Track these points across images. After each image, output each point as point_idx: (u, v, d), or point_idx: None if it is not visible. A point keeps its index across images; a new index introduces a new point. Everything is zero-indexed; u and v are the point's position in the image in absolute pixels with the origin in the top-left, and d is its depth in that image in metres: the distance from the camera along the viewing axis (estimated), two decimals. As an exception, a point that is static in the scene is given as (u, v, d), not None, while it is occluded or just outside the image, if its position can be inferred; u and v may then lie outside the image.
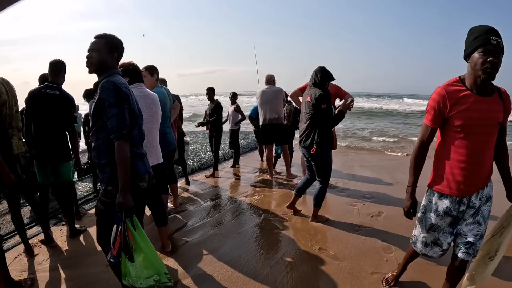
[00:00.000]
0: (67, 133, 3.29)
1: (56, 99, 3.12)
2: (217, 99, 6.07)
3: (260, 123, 5.56)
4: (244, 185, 5.39)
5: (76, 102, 3.59)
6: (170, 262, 2.94)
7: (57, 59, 3.21)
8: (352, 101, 3.56)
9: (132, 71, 2.78)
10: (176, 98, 5.02)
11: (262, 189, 5.13)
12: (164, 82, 4.39)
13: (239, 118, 6.42)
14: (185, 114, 18.87)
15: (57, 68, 3.19)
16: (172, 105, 3.78)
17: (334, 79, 3.56)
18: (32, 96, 3.10)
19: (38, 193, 3.41)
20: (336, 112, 4.57)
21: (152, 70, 3.49)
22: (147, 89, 2.87)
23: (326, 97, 3.42)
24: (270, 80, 5.52)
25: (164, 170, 3.70)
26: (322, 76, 3.49)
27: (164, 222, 3.12)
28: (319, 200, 3.71)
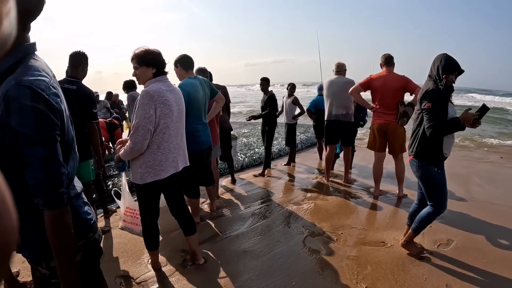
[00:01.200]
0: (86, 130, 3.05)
1: (73, 95, 2.86)
2: (271, 91, 5.50)
3: (325, 118, 4.84)
4: (294, 189, 4.78)
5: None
6: (181, 284, 2.51)
7: (78, 51, 2.98)
8: (476, 121, 2.49)
9: (162, 61, 2.32)
10: (222, 89, 4.58)
11: (314, 195, 4.47)
12: (204, 72, 3.91)
13: (296, 112, 5.77)
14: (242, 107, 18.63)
15: (77, 61, 2.96)
16: (206, 98, 3.31)
17: (461, 71, 2.57)
18: None
19: None
20: (402, 111, 3.75)
21: (175, 62, 3.09)
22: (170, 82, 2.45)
23: (435, 95, 2.52)
24: (341, 70, 4.76)
25: (195, 173, 3.29)
26: (440, 66, 2.53)
27: (192, 231, 2.69)
28: (419, 225, 2.81)
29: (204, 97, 3.28)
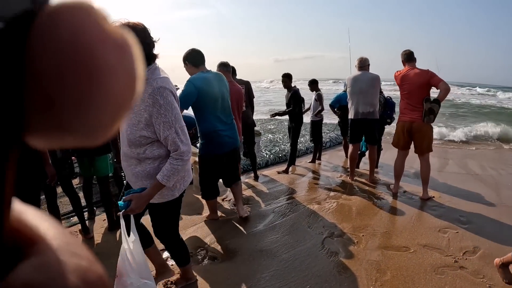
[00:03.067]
0: None
1: None
2: (294, 86, 5.40)
3: (350, 116, 4.67)
4: (318, 187, 4.69)
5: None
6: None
7: None
8: None
9: (147, 42, 1.66)
10: (246, 85, 4.56)
11: (337, 194, 4.36)
12: (226, 66, 3.74)
13: (319, 108, 5.67)
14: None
15: None
16: (224, 93, 3.10)
17: None
18: None
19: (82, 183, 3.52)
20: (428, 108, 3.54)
21: (183, 59, 3.00)
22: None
23: None
24: (364, 64, 4.59)
25: (213, 176, 3.30)
26: None
27: (148, 243, 2.27)
28: None
29: (221, 92, 3.03)
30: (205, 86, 2.91)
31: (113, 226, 3.35)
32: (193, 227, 3.34)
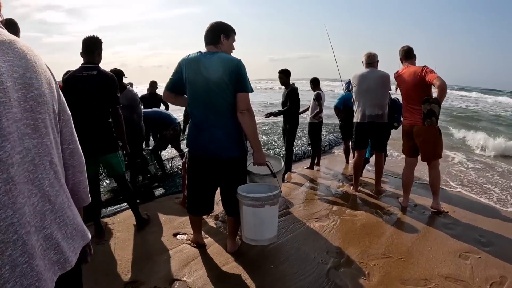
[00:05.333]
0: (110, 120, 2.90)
1: (95, 80, 2.73)
2: (292, 83, 4.86)
3: (356, 119, 4.10)
4: (317, 200, 4.14)
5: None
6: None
7: (91, 35, 2.80)
8: None
9: None
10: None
11: (340, 208, 3.82)
12: None
13: (317, 110, 5.15)
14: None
15: (91, 47, 2.77)
16: (212, 84, 2.33)
17: None
18: (67, 82, 2.75)
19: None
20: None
21: None
22: None
23: None
24: (373, 61, 4.03)
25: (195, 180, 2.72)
26: None
27: None
28: None
29: (206, 83, 2.30)
30: (186, 67, 2.42)
31: (141, 223, 3.22)
32: (169, 251, 2.77)
